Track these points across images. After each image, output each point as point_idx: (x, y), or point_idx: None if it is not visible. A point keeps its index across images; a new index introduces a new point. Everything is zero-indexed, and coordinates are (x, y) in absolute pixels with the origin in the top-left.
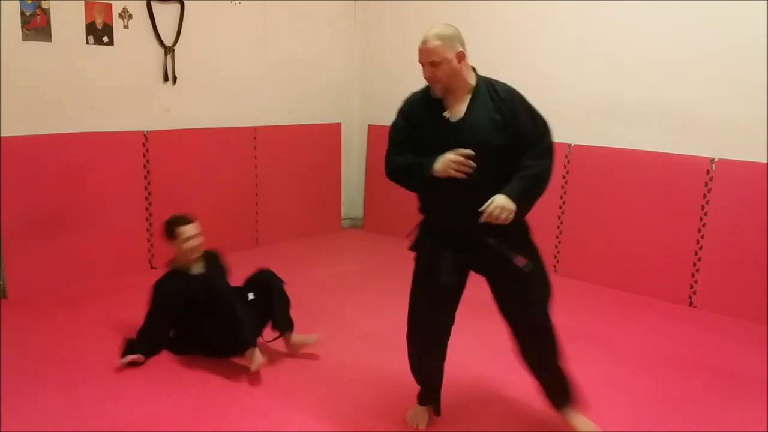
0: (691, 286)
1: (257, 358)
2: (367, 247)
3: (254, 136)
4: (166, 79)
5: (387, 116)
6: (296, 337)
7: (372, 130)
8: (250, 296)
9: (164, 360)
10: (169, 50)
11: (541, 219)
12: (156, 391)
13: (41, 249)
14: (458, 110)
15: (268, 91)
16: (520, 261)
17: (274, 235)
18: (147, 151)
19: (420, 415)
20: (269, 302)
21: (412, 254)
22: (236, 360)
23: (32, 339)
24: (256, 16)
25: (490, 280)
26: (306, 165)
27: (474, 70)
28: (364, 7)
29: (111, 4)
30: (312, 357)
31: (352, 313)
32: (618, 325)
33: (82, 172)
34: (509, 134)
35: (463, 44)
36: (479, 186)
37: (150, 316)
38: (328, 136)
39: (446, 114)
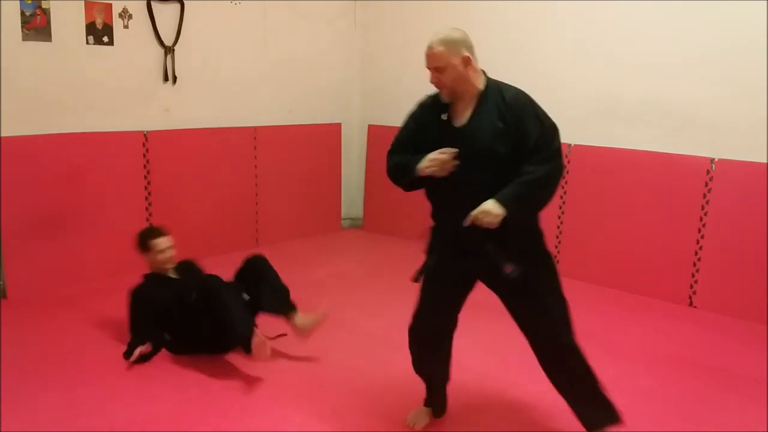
0: (691, 286)
1: (263, 348)
2: (367, 247)
3: (254, 136)
4: (166, 79)
5: (387, 116)
6: (301, 318)
7: (372, 130)
8: (245, 297)
9: (164, 360)
10: (169, 50)
11: (541, 219)
12: (156, 391)
13: (41, 249)
14: (465, 115)
15: (268, 91)
16: (508, 268)
17: (274, 235)
18: (147, 151)
19: (420, 415)
20: (260, 287)
21: (412, 254)
22: (236, 359)
23: (32, 339)
24: (256, 16)
25: (498, 294)
26: (306, 165)
27: (484, 73)
28: (364, 7)
29: (111, 4)
30: (312, 357)
31: (352, 313)
32: (618, 325)
33: (82, 172)
34: (512, 141)
35: (470, 48)
36: (482, 193)
37: (133, 323)
38: (328, 136)
39: (444, 117)
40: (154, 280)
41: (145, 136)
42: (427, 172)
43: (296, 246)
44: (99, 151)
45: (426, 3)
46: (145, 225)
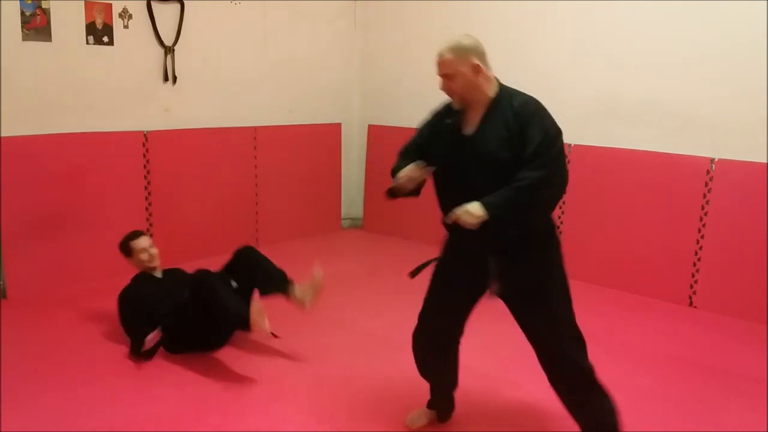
0: (691, 286)
1: (260, 316)
2: (367, 247)
3: (254, 136)
4: (166, 79)
5: (387, 116)
6: (299, 290)
7: (372, 130)
8: (233, 284)
9: (164, 360)
10: (169, 50)
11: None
12: (156, 391)
13: (41, 249)
14: (474, 123)
15: (268, 91)
16: (492, 287)
17: (274, 235)
18: (147, 151)
19: (419, 416)
20: (255, 274)
21: (412, 254)
22: (236, 359)
23: (32, 339)
24: (256, 16)
25: (507, 305)
26: (306, 165)
27: (498, 81)
28: (364, 7)
29: (111, 4)
30: (312, 357)
31: (352, 313)
32: (618, 325)
33: (82, 172)
34: (516, 148)
35: (481, 56)
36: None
37: (128, 322)
38: (328, 136)
39: (452, 124)
40: (142, 279)
41: (145, 136)
42: (396, 185)
43: (296, 246)
44: (99, 151)
45: (426, 3)
46: (145, 225)
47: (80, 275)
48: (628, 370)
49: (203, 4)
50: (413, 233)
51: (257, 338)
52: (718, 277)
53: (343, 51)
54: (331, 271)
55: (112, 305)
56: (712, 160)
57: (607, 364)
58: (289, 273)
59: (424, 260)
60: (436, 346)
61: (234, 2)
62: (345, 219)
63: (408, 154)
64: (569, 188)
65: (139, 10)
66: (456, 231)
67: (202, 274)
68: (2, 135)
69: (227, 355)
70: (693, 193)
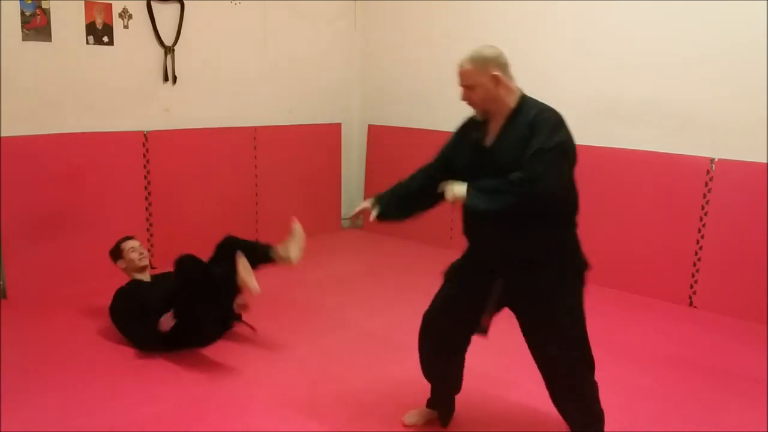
0: (691, 286)
1: (246, 269)
2: (367, 247)
3: (254, 136)
4: (166, 79)
5: (387, 116)
6: (281, 249)
7: (372, 130)
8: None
9: (164, 360)
10: (169, 50)
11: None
12: (156, 391)
13: (41, 249)
14: (493, 135)
15: (268, 91)
16: (484, 321)
17: (274, 235)
18: (147, 151)
19: (417, 415)
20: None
21: (412, 254)
22: (236, 359)
23: (32, 339)
24: (256, 16)
25: (517, 319)
26: (306, 165)
27: (520, 91)
28: (364, 7)
29: (111, 4)
30: (312, 357)
31: (352, 313)
32: (618, 325)
33: (82, 172)
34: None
35: (502, 67)
36: (502, 215)
37: (129, 318)
38: (328, 136)
39: (472, 133)
40: (133, 283)
41: (145, 136)
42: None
43: None
44: (99, 151)
45: (426, 3)
46: (145, 225)
47: (80, 275)
48: (628, 370)
49: (203, 4)
50: (413, 233)
51: (247, 298)
52: (718, 277)
53: (343, 51)
54: (331, 271)
55: None
56: (712, 160)
57: (607, 364)
58: (289, 273)
59: (423, 260)
60: (442, 350)
61: (234, 2)
62: (345, 219)
63: (434, 165)
64: None
65: (139, 10)
66: (476, 243)
67: (182, 257)
68: (2, 135)
69: (227, 355)
70: (693, 193)
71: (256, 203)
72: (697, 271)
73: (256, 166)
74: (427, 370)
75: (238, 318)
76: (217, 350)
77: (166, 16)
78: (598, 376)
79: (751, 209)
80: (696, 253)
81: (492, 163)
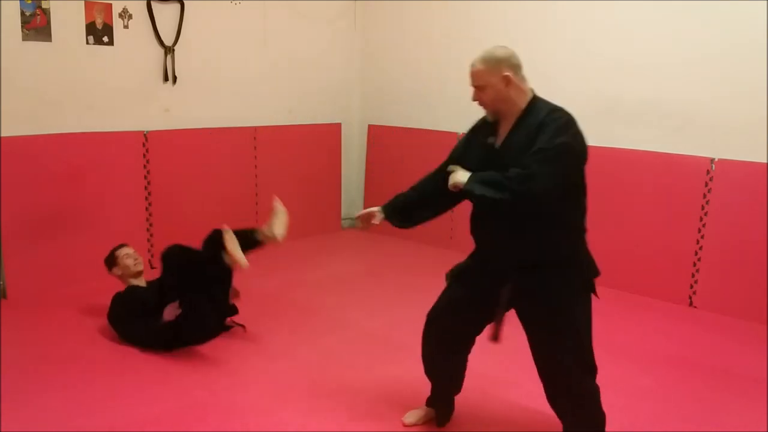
0: (691, 286)
1: (231, 239)
2: (367, 247)
3: (254, 136)
4: (166, 79)
5: (387, 116)
6: (265, 229)
7: (372, 130)
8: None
9: (164, 360)
10: (169, 50)
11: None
12: (156, 391)
13: (41, 249)
14: (504, 135)
15: (268, 91)
16: (497, 327)
17: None
18: (147, 151)
19: (417, 414)
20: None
21: (412, 254)
22: (236, 359)
23: (32, 339)
24: (256, 16)
25: (522, 325)
26: (306, 165)
27: (532, 92)
28: (364, 7)
29: (111, 4)
30: (312, 357)
31: (352, 313)
32: (618, 325)
33: (82, 172)
34: None
35: (513, 68)
36: (509, 217)
37: (127, 330)
38: (328, 136)
39: (483, 134)
40: (131, 287)
41: (145, 136)
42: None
43: (296, 246)
44: (99, 151)
45: (426, 3)
46: (145, 225)
47: (80, 275)
48: (628, 370)
49: (203, 4)
50: (413, 233)
51: (233, 264)
52: (718, 277)
53: (343, 51)
54: (331, 271)
55: None
56: (712, 160)
57: (607, 364)
58: (289, 273)
59: (423, 260)
60: (445, 350)
61: (234, 2)
62: (345, 219)
63: (439, 172)
64: None
65: (139, 10)
66: (483, 244)
67: (168, 247)
68: (2, 135)
69: (227, 355)
70: (693, 193)
71: (256, 203)
72: (697, 271)
73: (256, 166)
74: (429, 369)
75: (235, 310)
76: (217, 350)
77: (166, 16)
78: (599, 375)
79: (751, 209)
80: (696, 253)
81: (500, 163)
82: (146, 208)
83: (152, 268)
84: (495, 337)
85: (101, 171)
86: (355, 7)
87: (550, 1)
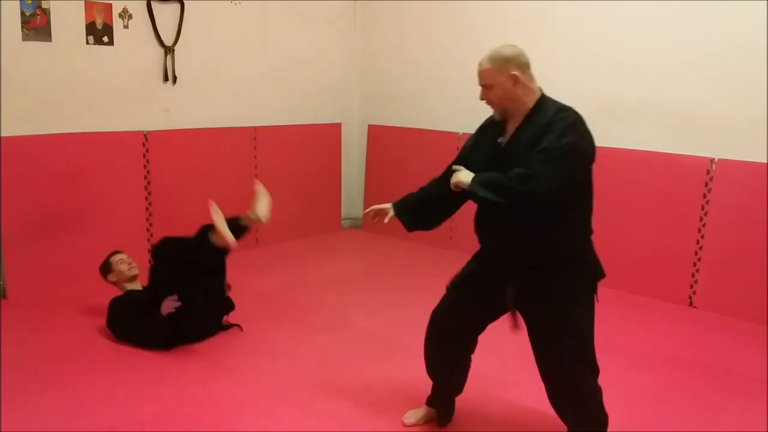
0: (691, 286)
1: (216, 212)
2: (367, 247)
3: (254, 136)
4: (166, 79)
5: (387, 116)
6: (250, 213)
7: (372, 130)
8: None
9: (164, 360)
10: (169, 50)
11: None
12: (156, 391)
13: (41, 249)
14: (509, 134)
15: (268, 91)
16: (513, 319)
17: (274, 235)
18: (147, 151)
19: (417, 414)
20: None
21: (412, 254)
22: (236, 359)
23: (32, 339)
24: (256, 16)
25: (526, 325)
26: (306, 165)
27: (541, 91)
28: (364, 7)
29: (111, 4)
30: (312, 357)
31: (352, 313)
32: (618, 325)
33: (82, 172)
34: None
35: (521, 66)
36: (512, 217)
37: (126, 331)
38: (328, 136)
39: (489, 132)
40: (127, 292)
41: (145, 136)
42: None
43: (296, 246)
44: (99, 151)
45: (426, 3)
46: (145, 225)
47: (80, 275)
48: (628, 370)
49: (203, 4)
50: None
51: (220, 240)
52: (718, 277)
53: (343, 51)
54: (331, 271)
55: None
56: (712, 160)
57: (607, 364)
58: (289, 273)
59: (423, 260)
60: (448, 350)
61: (234, 2)
62: (345, 219)
63: (450, 170)
64: None
65: (139, 10)
66: (486, 244)
67: (156, 243)
68: (2, 135)
69: (227, 355)
70: (693, 193)
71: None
72: (697, 271)
73: (256, 166)
74: (431, 370)
75: (231, 305)
76: (217, 350)
77: (166, 16)
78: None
79: (751, 209)
80: (696, 253)
81: (506, 162)
82: (146, 208)
83: None
84: (515, 326)
85: (101, 171)
86: (355, 7)
87: (550, 1)
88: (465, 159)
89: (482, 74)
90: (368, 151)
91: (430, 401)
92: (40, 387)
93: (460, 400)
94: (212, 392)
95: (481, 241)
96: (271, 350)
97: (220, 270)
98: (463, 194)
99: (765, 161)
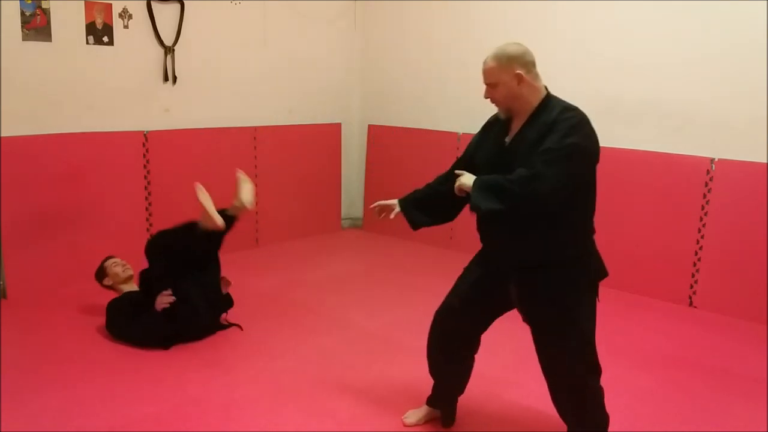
0: (691, 286)
1: (201, 192)
2: (367, 247)
3: (254, 136)
4: (166, 79)
5: (387, 116)
6: (236, 201)
7: (372, 130)
8: None
9: (163, 360)
10: (169, 50)
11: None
12: (156, 391)
13: (41, 249)
14: (514, 133)
15: (268, 91)
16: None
17: (274, 235)
18: (147, 151)
19: (417, 414)
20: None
21: (412, 254)
22: (235, 359)
23: (32, 339)
24: (256, 16)
25: (528, 325)
26: (306, 165)
27: (546, 90)
28: (364, 7)
29: (111, 4)
30: (312, 357)
31: (352, 313)
32: (618, 325)
33: (82, 172)
34: None
35: (526, 65)
36: (514, 217)
37: (125, 332)
38: (328, 136)
39: (494, 130)
40: (124, 294)
41: (145, 136)
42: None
43: (296, 246)
44: (99, 151)
45: (426, 3)
46: (145, 225)
47: (80, 275)
48: (628, 370)
49: (203, 4)
50: (413, 233)
51: (208, 221)
52: (718, 277)
53: (343, 51)
54: (331, 271)
55: None
56: (712, 160)
57: (607, 364)
58: (289, 273)
59: (423, 260)
60: (452, 351)
61: (234, 2)
62: (345, 219)
63: (459, 163)
64: None
65: (139, 10)
66: (487, 244)
67: (147, 240)
68: (2, 135)
69: (227, 355)
70: (693, 193)
71: (256, 203)
72: (697, 271)
73: (256, 166)
74: (434, 369)
75: (230, 301)
76: (216, 350)
77: (166, 16)
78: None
79: (751, 209)
80: (696, 253)
81: (509, 161)
82: (146, 208)
83: None
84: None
85: (101, 171)
86: (355, 7)
87: (550, 1)
88: (470, 156)
89: (487, 72)
90: (368, 151)
91: (431, 401)
92: (40, 387)
93: (461, 400)
94: (212, 392)
95: (483, 240)
96: (271, 350)
97: (214, 256)
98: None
99: (765, 161)
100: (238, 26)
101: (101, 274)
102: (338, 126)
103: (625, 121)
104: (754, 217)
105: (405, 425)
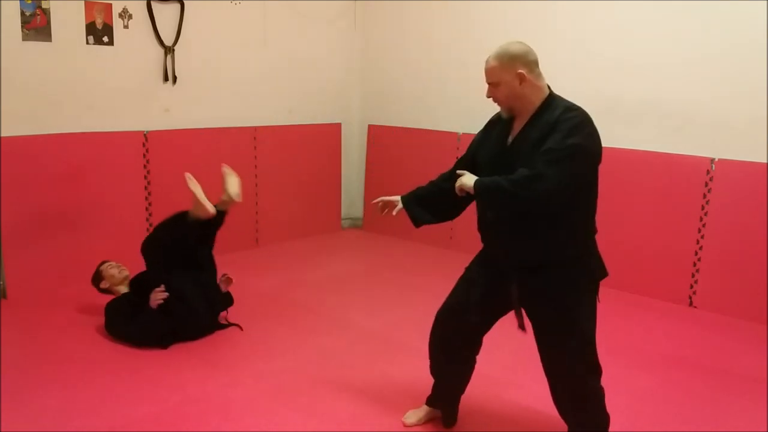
0: (691, 286)
1: (191, 181)
2: (367, 247)
3: (254, 136)
4: (166, 79)
5: (387, 116)
6: (224, 196)
7: (372, 130)
8: None
9: (163, 360)
10: (169, 50)
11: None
12: (156, 391)
13: (41, 249)
14: (516, 132)
15: (268, 91)
16: (519, 320)
17: (274, 235)
18: (147, 151)
19: (417, 414)
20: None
21: (412, 254)
22: (235, 358)
23: (32, 339)
24: (256, 16)
25: (530, 322)
26: (306, 165)
27: (549, 89)
28: (364, 7)
29: (111, 4)
30: (311, 357)
31: (352, 313)
32: (618, 325)
33: (82, 172)
34: None
35: (528, 64)
36: (516, 217)
37: (124, 332)
38: (328, 136)
39: (496, 130)
40: (121, 295)
41: (145, 136)
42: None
43: (296, 246)
44: (99, 151)
45: (426, 3)
46: (145, 225)
47: (80, 275)
48: (628, 370)
49: (203, 4)
50: (413, 233)
51: (198, 208)
52: (718, 277)
53: (343, 51)
54: (331, 271)
55: None
56: (712, 160)
57: (607, 364)
58: (289, 273)
59: (423, 260)
60: (454, 351)
61: (234, 2)
62: (345, 219)
63: (461, 162)
64: None
65: (139, 10)
66: (488, 244)
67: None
68: (2, 135)
69: (226, 355)
70: (693, 193)
71: (256, 203)
72: (697, 271)
73: (256, 166)
74: (435, 369)
75: (229, 299)
76: (216, 350)
77: (166, 16)
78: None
79: (751, 209)
80: (696, 253)
81: (511, 160)
82: (146, 208)
83: None
84: (521, 327)
85: (101, 171)
86: (355, 7)
87: (550, 1)
88: (472, 155)
89: (489, 72)
90: (368, 151)
91: (431, 401)
92: (40, 387)
93: (462, 401)
94: (212, 392)
95: (483, 240)
96: (270, 350)
97: (208, 254)
98: (469, 197)
99: (765, 161)
100: (238, 26)
101: (98, 278)
102: (338, 126)
103: (625, 121)
104: (754, 217)
105: (405, 425)
